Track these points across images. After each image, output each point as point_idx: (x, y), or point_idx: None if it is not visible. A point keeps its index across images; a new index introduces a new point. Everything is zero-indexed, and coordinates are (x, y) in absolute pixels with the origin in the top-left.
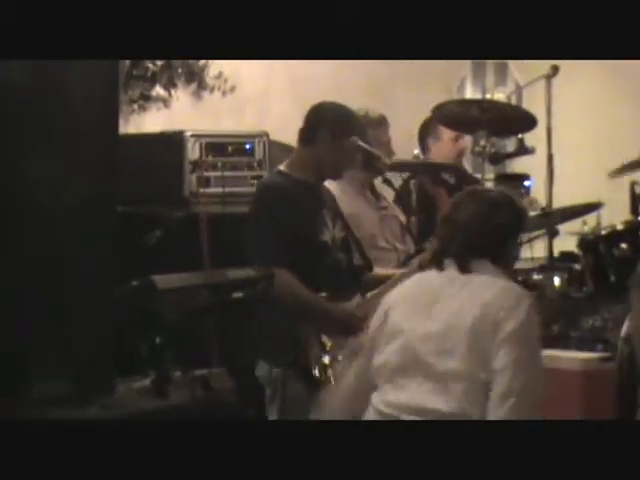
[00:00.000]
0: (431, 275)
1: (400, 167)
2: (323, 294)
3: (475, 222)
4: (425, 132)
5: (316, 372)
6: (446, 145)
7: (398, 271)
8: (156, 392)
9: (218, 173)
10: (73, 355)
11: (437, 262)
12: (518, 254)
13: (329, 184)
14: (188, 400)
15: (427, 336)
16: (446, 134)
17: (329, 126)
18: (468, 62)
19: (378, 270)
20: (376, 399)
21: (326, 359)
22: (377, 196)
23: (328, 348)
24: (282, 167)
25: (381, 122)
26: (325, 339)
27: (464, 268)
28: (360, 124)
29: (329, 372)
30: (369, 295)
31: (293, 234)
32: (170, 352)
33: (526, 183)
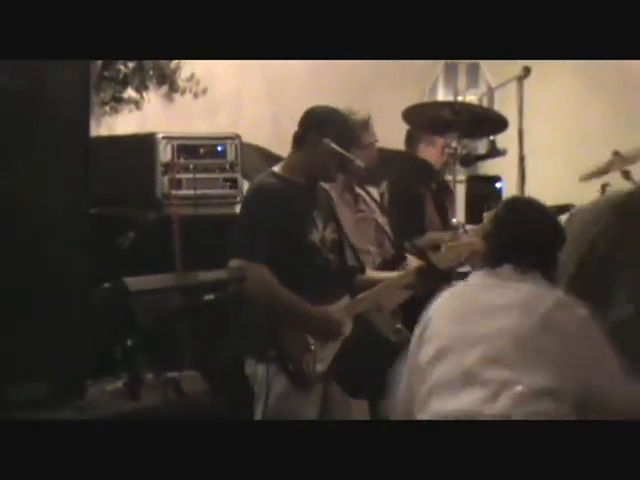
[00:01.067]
0: (477, 283)
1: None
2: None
3: (540, 234)
4: (416, 135)
5: (300, 367)
6: (437, 151)
7: (390, 274)
8: (128, 394)
9: (190, 175)
10: (46, 358)
11: (492, 265)
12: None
13: None
14: (160, 402)
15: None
16: (439, 141)
17: (318, 129)
18: (440, 64)
19: (371, 273)
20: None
21: (309, 356)
22: (356, 198)
23: (311, 346)
24: (276, 168)
25: (365, 124)
26: (308, 337)
27: (520, 277)
28: (351, 127)
29: (312, 367)
30: (359, 297)
31: (279, 233)
32: (142, 354)
33: (497, 185)
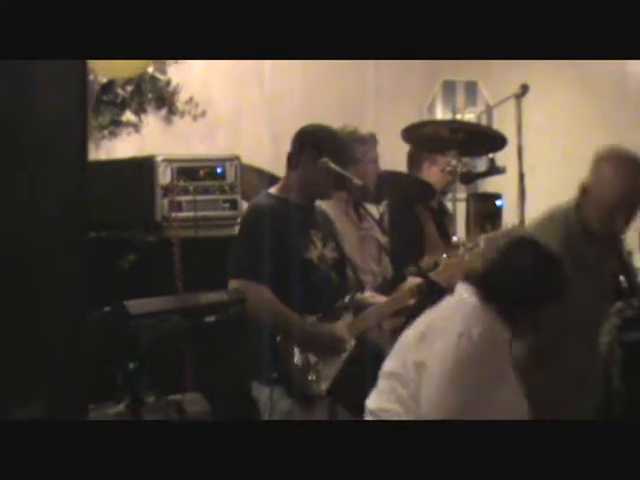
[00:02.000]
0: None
1: None
2: (318, 316)
3: (519, 282)
4: (419, 156)
5: (303, 386)
6: (440, 171)
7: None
8: (130, 417)
9: (190, 197)
10: (46, 381)
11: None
12: None
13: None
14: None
15: None
16: (442, 161)
17: (312, 148)
18: (439, 82)
19: (370, 293)
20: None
21: (312, 375)
22: (360, 216)
23: (313, 364)
24: (272, 190)
25: (370, 139)
26: (310, 355)
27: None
28: (343, 145)
29: (315, 387)
30: (362, 315)
31: (276, 252)
32: (144, 377)
33: (498, 202)
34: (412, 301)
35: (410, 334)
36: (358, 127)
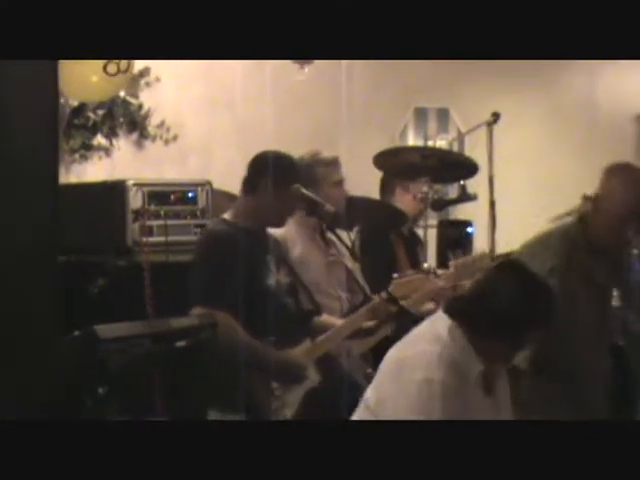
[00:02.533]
0: None
1: None
2: (272, 338)
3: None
4: (391, 183)
5: (267, 414)
6: (413, 198)
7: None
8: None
9: (161, 222)
10: (12, 405)
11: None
12: None
13: (281, 228)
14: None
15: None
16: (415, 187)
17: (269, 175)
18: (410, 109)
19: (326, 316)
20: None
21: (276, 403)
22: (327, 242)
23: (276, 393)
24: (226, 215)
25: (333, 162)
26: (273, 384)
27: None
28: (301, 172)
29: (279, 415)
30: (319, 340)
31: (236, 279)
32: (113, 401)
33: (468, 229)
34: (370, 322)
35: (383, 366)
36: (321, 151)
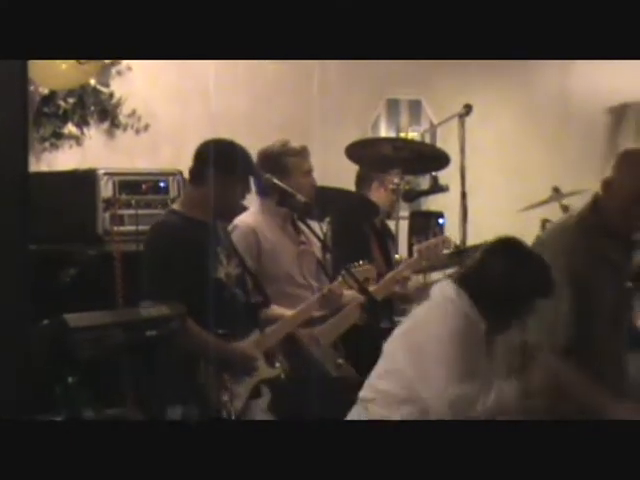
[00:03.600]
0: None
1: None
2: (220, 331)
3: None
4: (367, 176)
5: (217, 406)
6: (388, 192)
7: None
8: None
9: (132, 211)
10: None
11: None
12: None
13: (251, 216)
14: None
15: None
16: (391, 181)
17: (214, 164)
18: (383, 100)
19: (276, 307)
20: None
21: (225, 395)
22: (298, 231)
23: (227, 384)
24: (175, 206)
25: (302, 151)
26: (224, 376)
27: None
28: (249, 161)
29: (229, 408)
30: (268, 331)
31: (185, 271)
32: (83, 391)
33: (440, 220)
34: (320, 312)
35: (395, 334)
36: (289, 140)
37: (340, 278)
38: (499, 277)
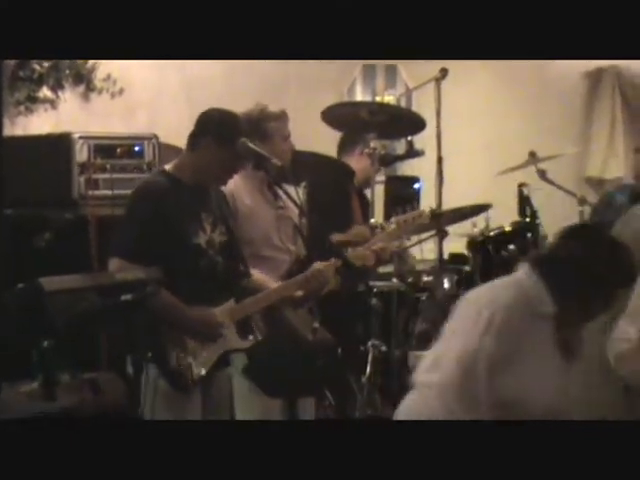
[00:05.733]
0: None
1: None
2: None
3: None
4: (351, 142)
5: (177, 370)
6: (360, 154)
7: (274, 282)
8: (44, 395)
9: (107, 175)
10: None
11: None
12: None
13: (229, 181)
14: (76, 403)
15: None
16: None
17: (212, 133)
18: (358, 64)
19: (258, 277)
20: None
21: (189, 359)
22: (275, 194)
23: (190, 348)
24: (167, 167)
25: (281, 116)
26: (188, 340)
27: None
28: (243, 134)
29: (192, 372)
30: (245, 301)
31: (161, 233)
32: (59, 355)
33: (416, 185)
34: (300, 292)
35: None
36: (267, 105)
37: (332, 260)
38: (576, 260)
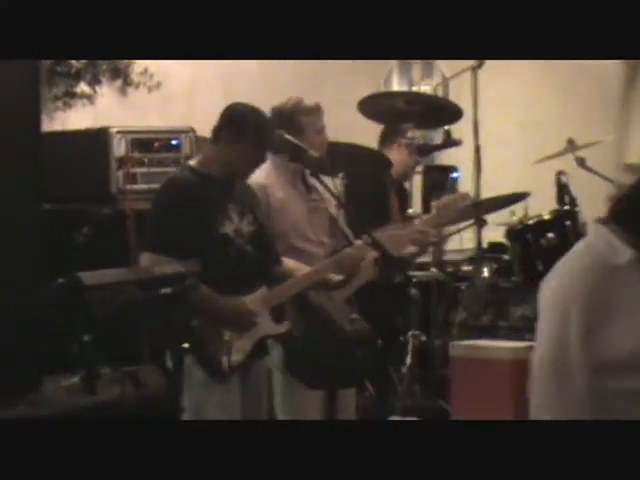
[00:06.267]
0: None
1: None
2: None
3: None
4: (393, 136)
5: (214, 358)
6: (398, 145)
7: (307, 268)
8: (85, 389)
9: (145, 169)
10: None
11: None
12: None
13: (262, 173)
14: (117, 397)
15: None
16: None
17: (236, 128)
18: None
19: (289, 264)
20: None
21: (225, 347)
22: (308, 187)
23: (227, 338)
24: (191, 162)
25: (315, 109)
26: (224, 330)
27: None
28: (268, 128)
29: (227, 358)
30: (277, 288)
31: (189, 226)
32: (99, 349)
33: (454, 175)
34: (337, 275)
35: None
36: (303, 98)
37: (361, 241)
38: None
